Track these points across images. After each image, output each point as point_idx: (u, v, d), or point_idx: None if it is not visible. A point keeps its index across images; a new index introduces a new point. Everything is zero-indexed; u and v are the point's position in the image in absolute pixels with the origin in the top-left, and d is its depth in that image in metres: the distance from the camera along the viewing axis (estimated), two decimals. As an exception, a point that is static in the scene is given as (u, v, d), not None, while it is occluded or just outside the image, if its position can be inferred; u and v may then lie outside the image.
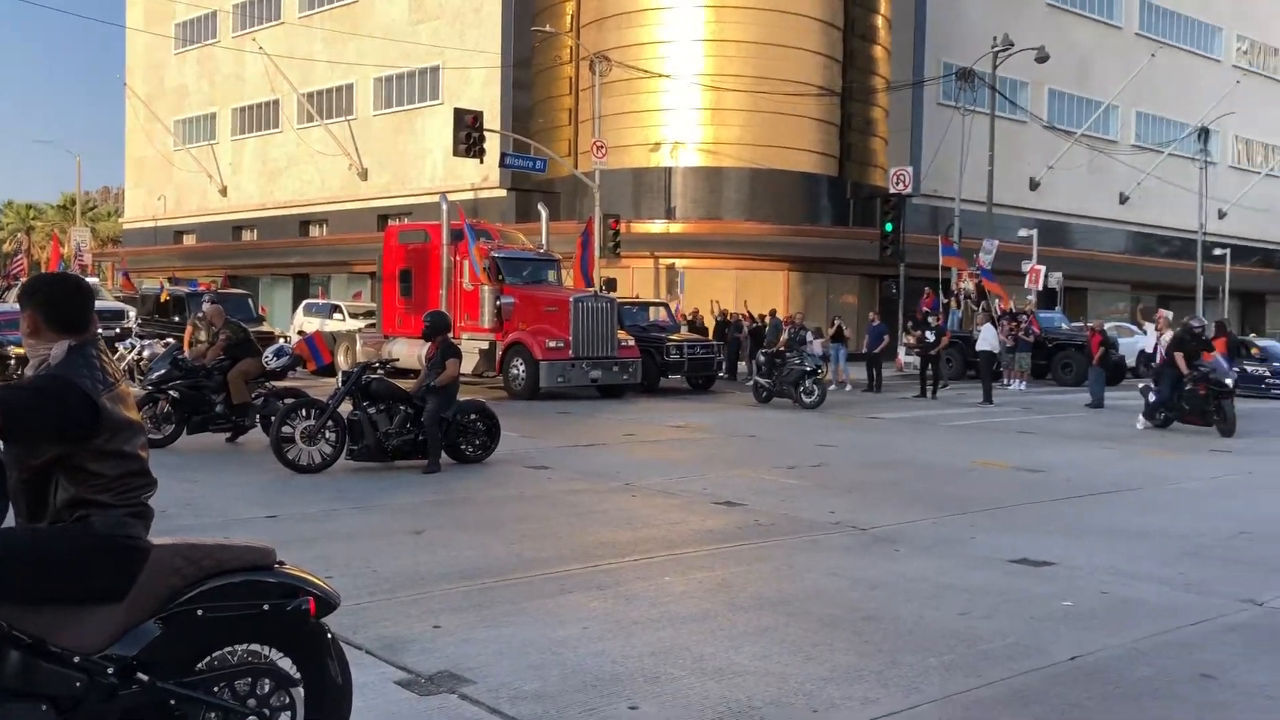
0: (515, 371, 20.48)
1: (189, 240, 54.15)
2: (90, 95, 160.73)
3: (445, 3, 42.12)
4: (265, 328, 25.76)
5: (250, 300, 28.60)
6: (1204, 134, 44.31)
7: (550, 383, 20.10)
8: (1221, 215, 51.39)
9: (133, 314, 26.21)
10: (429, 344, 11.88)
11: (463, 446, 11.61)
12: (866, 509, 9.24)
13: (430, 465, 11.00)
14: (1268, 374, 24.48)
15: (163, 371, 12.63)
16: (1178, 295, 46.03)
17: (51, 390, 3.00)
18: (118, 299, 29.37)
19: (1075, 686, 4.89)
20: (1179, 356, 16.35)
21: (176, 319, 24.76)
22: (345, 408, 11.13)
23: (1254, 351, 25.61)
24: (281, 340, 19.99)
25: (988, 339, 22.15)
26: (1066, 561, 7.38)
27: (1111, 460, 13.03)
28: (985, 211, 32.86)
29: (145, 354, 19.34)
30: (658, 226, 36.10)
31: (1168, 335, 19.60)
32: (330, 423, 10.94)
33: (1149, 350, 22.22)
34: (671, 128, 36.67)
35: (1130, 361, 27.80)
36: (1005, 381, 25.29)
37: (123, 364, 19.31)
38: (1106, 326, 24.48)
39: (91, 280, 33.73)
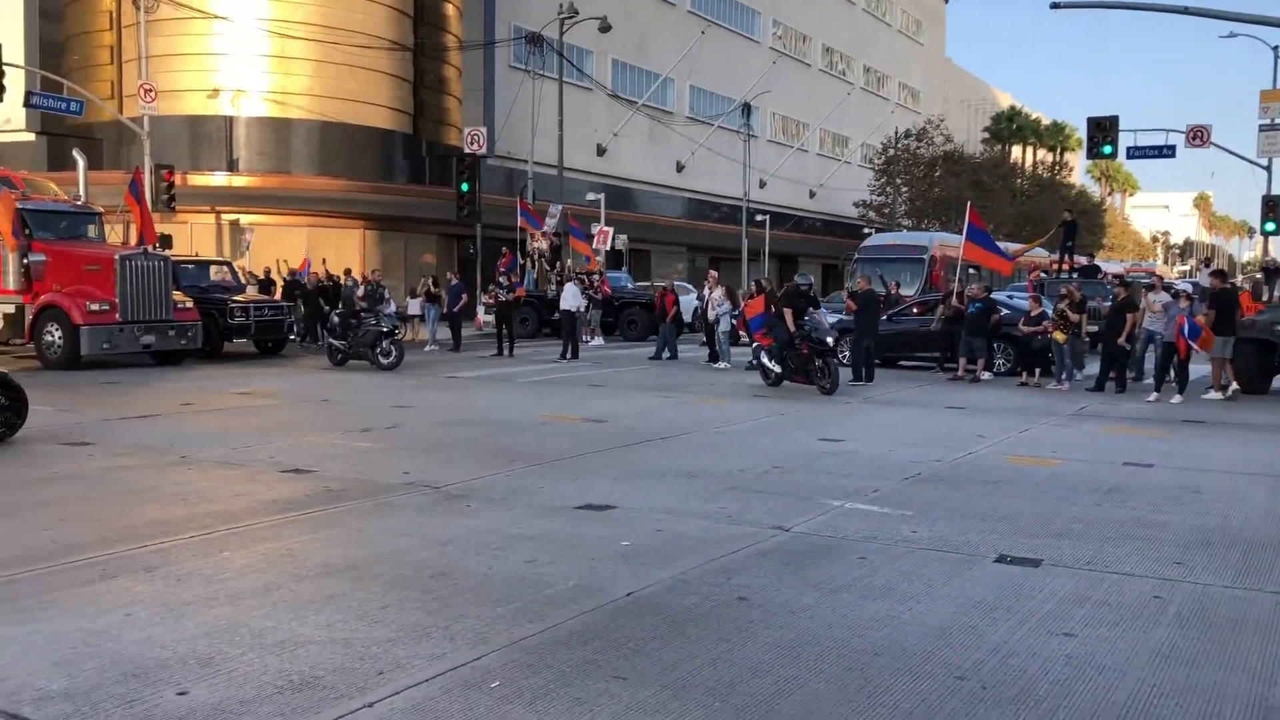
0: (50, 338, 18.30)
1: None
2: None
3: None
4: None
5: None
6: (746, 109, 48.85)
7: (93, 349, 18.20)
8: (762, 184, 57.02)
9: None
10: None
11: (-15, 424, 10.19)
12: (440, 467, 9.26)
13: None
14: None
15: None
16: (727, 257, 50.59)
17: None
18: None
19: (631, 620, 5.21)
20: (788, 313, 16.06)
21: None
22: None
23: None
24: None
25: (571, 297, 22.89)
26: (625, 504, 7.85)
27: (667, 408, 14.05)
28: (556, 175, 34.01)
29: None
30: (219, 179, 33.72)
31: (720, 291, 21.47)
32: None
33: (700, 307, 24.14)
34: (232, 74, 34.24)
35: (687, 318, 30.13)
36: (584, 338, 26.44)
37: None
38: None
39: None
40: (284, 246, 30.85)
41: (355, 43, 34.90)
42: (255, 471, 9.06)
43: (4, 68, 23.21)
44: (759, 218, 50.13)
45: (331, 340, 20.22)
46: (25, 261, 18.33)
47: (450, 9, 40.81)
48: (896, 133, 61.19)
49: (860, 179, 63.14)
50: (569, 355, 22.01)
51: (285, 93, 34.74)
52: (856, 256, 30.40)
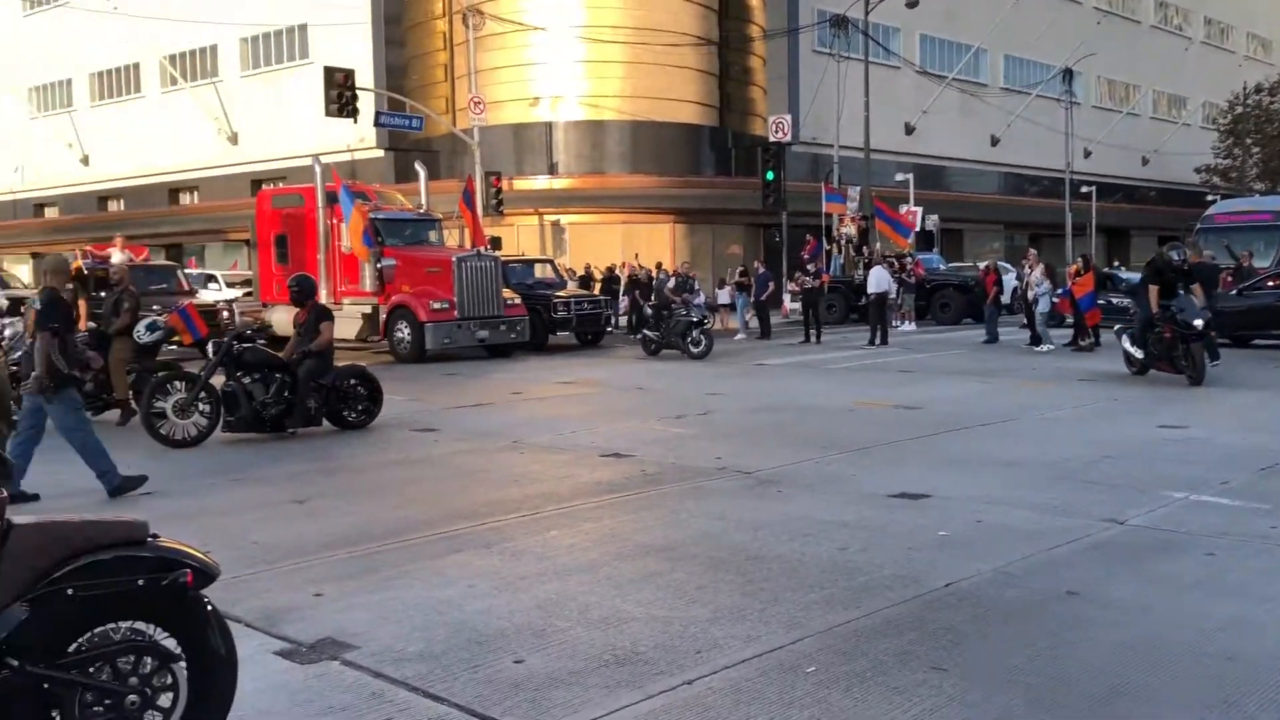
0: (400, 335, 20.14)
1: (51, 213, 51.64)
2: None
3: (310, -43, 40.66)
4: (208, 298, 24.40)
5: (179, 272, 23.67)
6: (1068, 75, 45.71)
7: (436, 344, 19.84)
8: (1087, 154, 53.22)
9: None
10: (299, 309, 11.60)
11: (345, 413, 11.40)
12: (751, 453, 9.37)
13: (296, 418, 10.81)
14: (1133, 307, 25.50)
15: (23, 350, 12.05)
16: (1048, 233, 47.67)
17: None
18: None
19: (948, 611, 5.05)
20: (1153, 291, 13.91)
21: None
22: (220, 379, 10.80)
23: (1120, 285, 26.67)
24: (153, 314, 19.22)
25: (879, 281, 22.42)
26: (942, 493, 7.61)
27: (986, 394, 13.46)
28: (863, 157, 33.40)
29: (6, 333, 18.43)
30: (541, 182, 35.78)
31: (1039, 271, 20.30)
32: (204, 394, 10.61)
33: (1020, 288, 22.91)
34: (550, 82, 36.24)
35: (1005, 299, 28.71)
36: (895, 323, 25.88)
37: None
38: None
39: None
40: (599, 243, 32.31)
41: (664, 41, 35.90)
42: (579, 455, 9.55)
43: (358, 92, 25.81)
44: (1084, 190, 46.85)
45: (645, 331, 20.95)
46: (379, 266, 20.27)
47: (754, 0, 41.07)
48: (1245, 88, 55.13)
49: (1202, 142, 57.50)
50: (878, 341, 21.59)
51: (599, 95, 36.32)
52: (1199, 226, 27.72)
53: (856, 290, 27.49)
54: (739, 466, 8.74)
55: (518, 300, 21.49)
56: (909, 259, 27.81)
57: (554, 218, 35.53)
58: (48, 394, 7.48)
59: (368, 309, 20.71)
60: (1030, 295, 20.15)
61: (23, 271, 40.60)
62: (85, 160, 49.35)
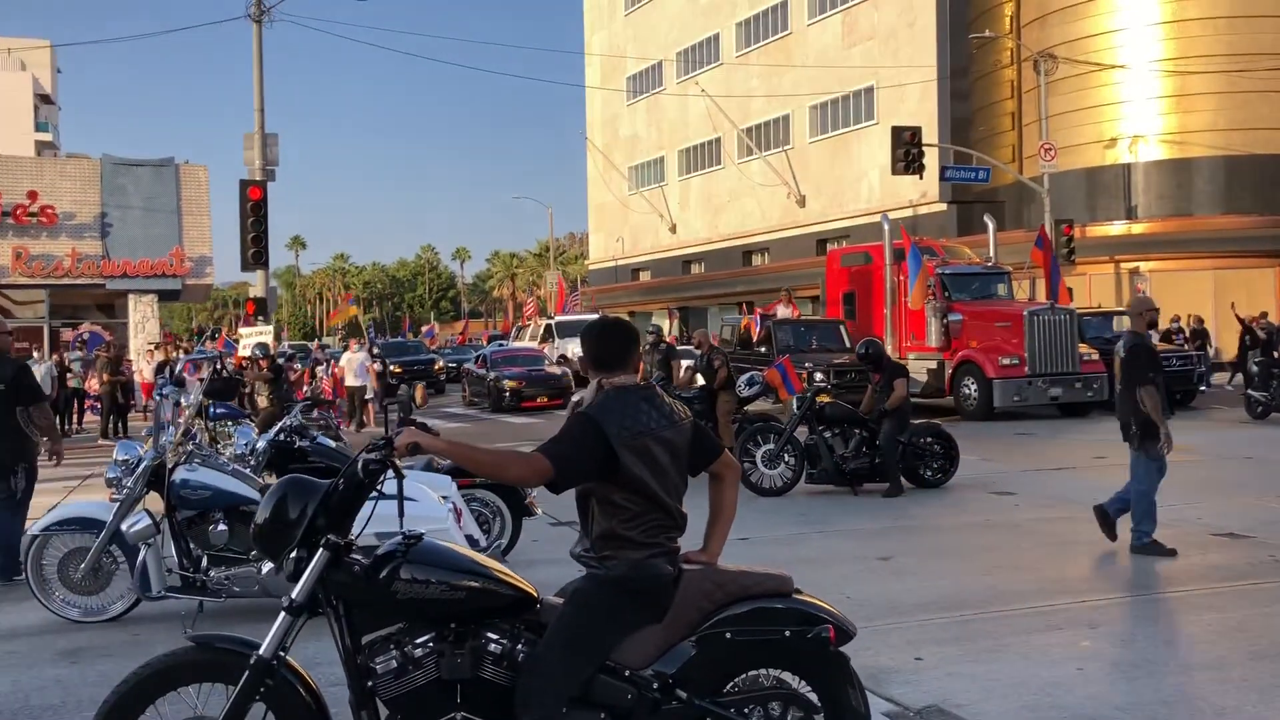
0: (966, 391, 19.78)
1: (644, 276, 58.30)
2: (559, 152, 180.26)
3: (878, 22, 42.02)
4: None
5: (842, 327, 22.15)
6: None
7: (1005, 402, 19.18)
8: None
9: None
10: (874, 373, 11.79)
11: (921, 470, 11.39)
12: None
13: (891, 488, 10.92)
14: None
15: None
16: None
17: (574, 431, 3.32)
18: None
19: None
20: None
21: (763, 350, 21.64)
22: (803, 432, 11.35)
23: None
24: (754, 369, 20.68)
25: None
26: None
27: None
28: None
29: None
30: (1117, 228, 33.35)
31: None
32: (789, 447, 11.21)
33: None
34: (1128, 121, 33.75)
35: None
36: None
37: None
38: None
39: (591, 316, 36.42)
40: (1185, 291, 29.28)
41: (1265, 66, 31.88)
42: (1184, 531, 8.63)
43: (923, 148, 26.06)
44: None
45: (1250, 391, 18.52)
46: (945, 321, 20.15)
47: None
48: None
49: None
50: None
51: (1185, 131, 33.12)
52: None
53: None
54: (1399, 560, 7.33)
55: (1095, 356, 20.11)
56: None
57: (1132, 265, 32.88)
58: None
59: (933, 364, 20.63)
60: None
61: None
62: (673, 228, 55.13)
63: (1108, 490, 10.80)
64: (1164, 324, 26.06)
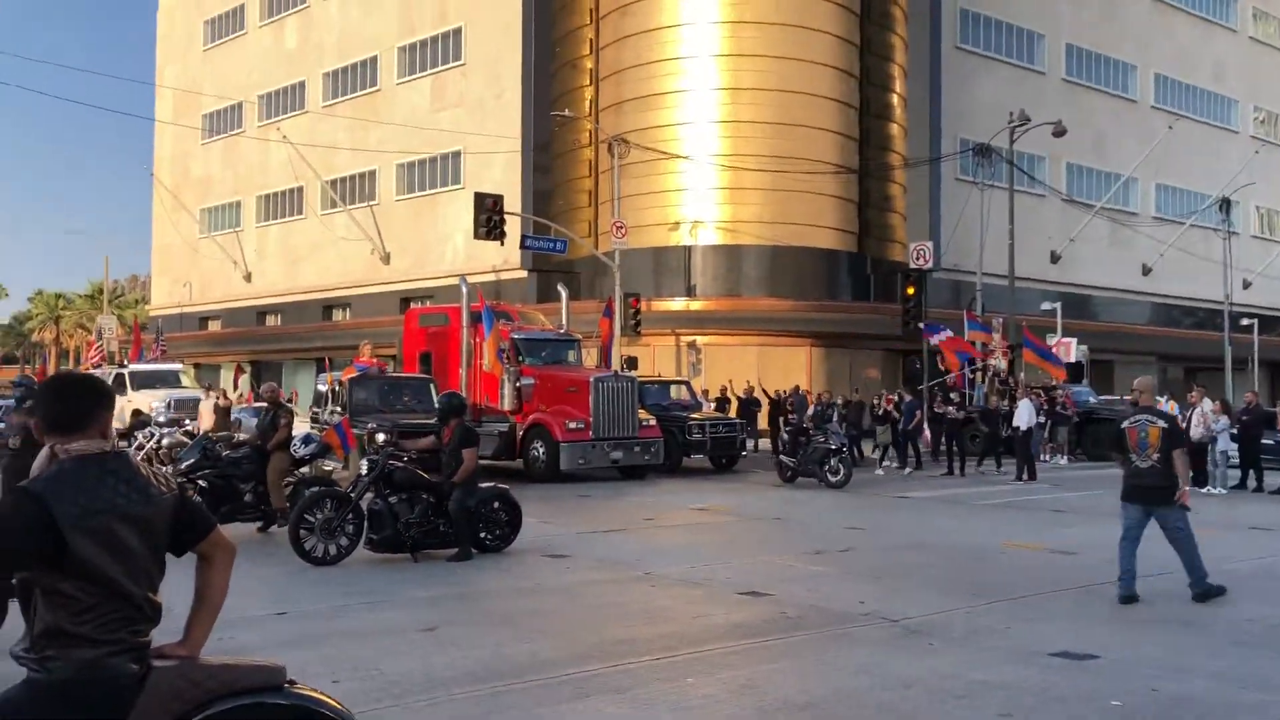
0: (535, 453, 20.24)
1: (214, 326, 54.63)
2: (119, 185, 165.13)
3: (466, 90, 42.84)
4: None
5: (432, 385, 20.62)
6: (1225, 205, 44.16)
7: (571, 464, 19.84)
8: (1246, 285, 50.96)
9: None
10: (445, 427, 11.68)
11: (483, 535, 11.32)
12: (897, 597, 8.88)
13: (461, 554, 10.75)
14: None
15: (192, 460, 12.48)
16: (1205, 366, 45.47)
17: (8, 510, 2.81)
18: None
19: (1129, 800, 4.53)
20: None
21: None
22: (368, 495, 10.92)
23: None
24: (308, 429, 19.56)
25: (1025, 415, 21.63)
26: (1109, 653, 7.01)
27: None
28: (1007, 285, 32.65)
29: (165, 442, 19.21)
30: (678, 304, 36.08)
31: (1213, 407, 19.25)
32: (350, 513, 10.72)
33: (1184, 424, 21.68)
34: (690, 207, 36.84)
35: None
36: (1044, 457, 24.85)
37: (140, 453, 19.18)
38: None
39: (173, 366, 32.74)
40: (735, 365, 32.17)
41: (803, 169, 36.22)
42: (713, 591, 9.22)
43: (506, 216, 26.68)
44: (1244, 322, 44.66)
45: (781, 457, 20.55)
46: (518, 385, 20.55)
47: (895, 129, 41.24)
48: None
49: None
50: (1026, 476, 20.66)
51: (737, 221, 36.70)
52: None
53: (1000, 422, 26.51)
54: (884, 613, 8.27)
55: (653, 421, 21.41)
56: (1059, 391, 26.78)
57: (690, 338, 35.67)
58: None
59: (504, 427, 20.93)
60: (1197, 434, 18.98)
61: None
62: (248, 277, 52.24)
63: (652, 552, 11.39)
64: (714, 392, 28.43)
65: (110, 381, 30.00)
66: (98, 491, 2.90)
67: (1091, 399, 29.41)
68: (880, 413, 23.78)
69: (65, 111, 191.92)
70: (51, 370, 54.82)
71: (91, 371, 33.10)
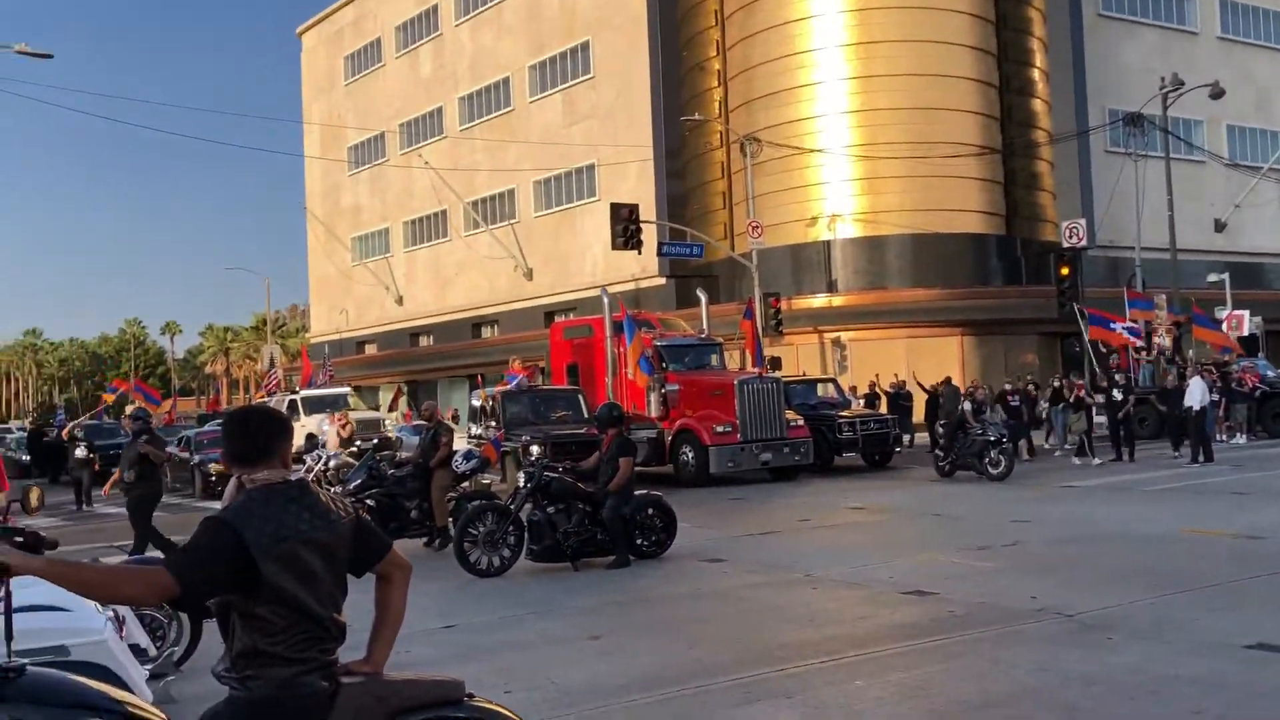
0: (684, 458, 20.28)
1: (370, 349, 56.75)
2: (276, 221, 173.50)
3: (597, 102, 43.36)
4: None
5: (581, 396, 21.13)
6: None
7: (720, 468, 19.81)
8: None
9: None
10: (604, 436, 11.82)
11: (639, 542, 11.41)
12: (1071, 591, 8.54)
13: (618, 561, 10.88)
14: None
15: (359, 480, 12.99)
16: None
17: (205, 539, 2.96)
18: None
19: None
20: None
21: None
22: (527, 507, 11.15)
23: None
24: (469, 444, 19.97)
25: (1197, 393, 20.44)
26: (1312, 645, 6.57)
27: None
28: (1169, 258, 31.11)
29: (332, 464, 20.01)
30: (819, 300, 35.67)
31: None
32: (510, 525, 10.97)
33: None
34: (827, 201, 36.40)
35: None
36: (1220, 436, 23.52)
37: (310, 475, 20.02)
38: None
39: (340, 390, 34.06)
40: (882, 359, 31.59)
41: (942, 154, 35.31)
42: (876, 592, 9.05)
43: (641, 225, 26.89)
44: None
45: (936, 451, 20.04)
46: (663, 391, 20.65)
47: (1038, 105, 39.83)
48: None
49: None
50: (1202, 458, 19.58)
51: (876, 211, 36.05)
52: None
53: (1172, 401, 25.17)
54: (1059, 608, 7.95)
55: (800, 421, 21.18)
56: (1234, 367, 25.31)
57: (834, 335, 35.20)
58: None
59: (652, 433, 21.04)
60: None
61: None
62: (400, 300, 54.10)
63: (810, 554, 11.26)
64: (863, 389, 27.95)
65: (284, 408, 31.63)
66: (283, 519, 3.04)
67: (1270, 372, 27.70)
68: (1073, 399, 22.51)
69: (219, 155, 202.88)
70: (225, 402, 57.93)
71: (265, 400, 34.88)
